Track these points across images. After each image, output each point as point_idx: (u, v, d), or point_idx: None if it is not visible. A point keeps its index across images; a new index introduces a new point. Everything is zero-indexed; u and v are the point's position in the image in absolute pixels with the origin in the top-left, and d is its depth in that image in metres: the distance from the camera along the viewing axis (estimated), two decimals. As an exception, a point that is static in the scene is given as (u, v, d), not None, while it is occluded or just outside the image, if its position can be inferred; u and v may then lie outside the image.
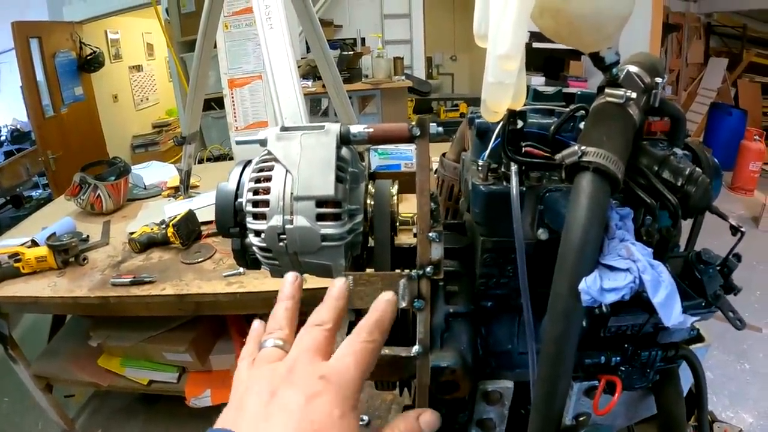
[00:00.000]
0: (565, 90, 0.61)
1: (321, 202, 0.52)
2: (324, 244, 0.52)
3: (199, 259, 1.75)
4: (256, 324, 0.48)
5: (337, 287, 0.47)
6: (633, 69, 0.51)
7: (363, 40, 5.19)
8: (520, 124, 0.48)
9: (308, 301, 1.54)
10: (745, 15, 6.03)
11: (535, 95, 0.59)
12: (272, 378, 0.38)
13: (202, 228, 1.94)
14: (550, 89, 0.61)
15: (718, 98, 6.01)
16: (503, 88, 0.39)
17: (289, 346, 0.42)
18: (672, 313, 0.43)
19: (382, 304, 0.45)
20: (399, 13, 5.42)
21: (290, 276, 0.50)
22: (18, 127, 5.24)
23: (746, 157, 4.82)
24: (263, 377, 0.39)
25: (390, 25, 5.44)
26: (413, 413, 0.46)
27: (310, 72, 4.32)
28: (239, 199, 0.57)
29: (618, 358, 0.57)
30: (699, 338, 0.69)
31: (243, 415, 0.36)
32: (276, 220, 0.53)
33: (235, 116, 3.11)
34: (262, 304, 1.53)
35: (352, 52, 4.64)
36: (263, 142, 0.57)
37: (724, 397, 2.52)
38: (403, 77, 4.86)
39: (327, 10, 5.20)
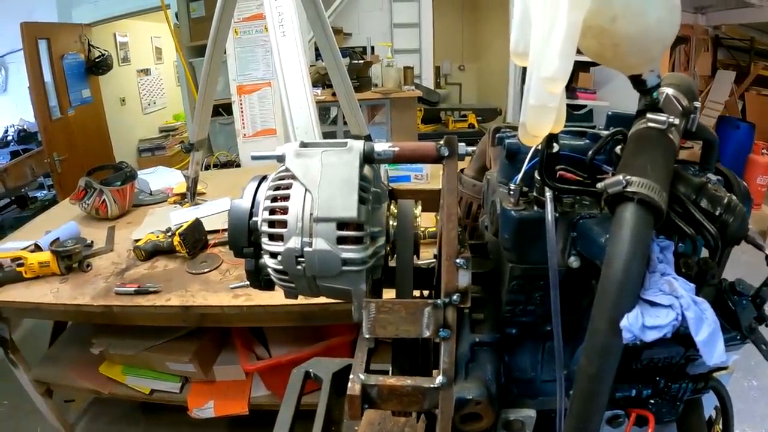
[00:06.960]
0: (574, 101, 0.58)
1: (342, 225, 0.49)
2: (345, 268, 0.50)
3: (206, 270, 1.72)
4: None
5: None
6: (671, 92, 0.49)
7: (372, 48, 5.19)
8: (556, 147, 0.45)
9: (319, 315, 1.50)
10: (752, 28, 6.00)
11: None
12: None
13: (209, 237, 1.91)
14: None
15: (725, 111, 5.97)
16: (546, 111, 0.36)
17: None
18: (715, 351, 0.41)
19: None
20: (408, 22, 5.40)
21: None
22: (25, 127, 5.22)
23: (754, 171, 4.78)
24: None
25: (399, 34, 5.42)
26: None
27: (319, 80, 4.32)
28: (254, 218, 0.54)
29: (649, 391, 0.55)
30: (722, 366, 0.66)
31: None
32: (294, 242, 0.50)
33: (243, 123, 3.10)
34: (268, 318, 1.50)
35: (362, 61, 4.63)
36: (281, 158, 0.54)
37: (732, 415, 2.48)
38: (413, 87, 4.84)
39: (336, 18, 5.19)
